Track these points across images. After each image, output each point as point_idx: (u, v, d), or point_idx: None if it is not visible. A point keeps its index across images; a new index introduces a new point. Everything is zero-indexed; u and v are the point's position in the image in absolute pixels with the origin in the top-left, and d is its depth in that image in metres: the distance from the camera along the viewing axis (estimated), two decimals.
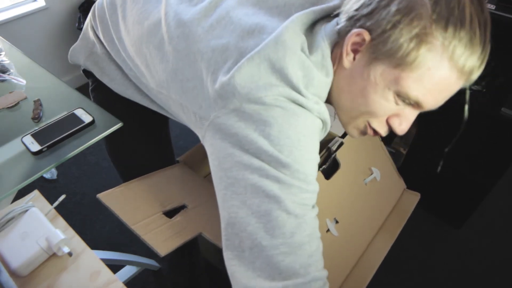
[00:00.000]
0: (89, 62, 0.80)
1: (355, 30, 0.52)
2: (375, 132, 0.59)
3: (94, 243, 1.19)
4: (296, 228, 0.49)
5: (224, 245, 0.52)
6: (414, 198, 1.07)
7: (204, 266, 1.27)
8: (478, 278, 1.29)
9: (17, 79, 0.99)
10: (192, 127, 0.62)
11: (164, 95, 0.65)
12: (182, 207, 0.76)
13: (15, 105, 0.92)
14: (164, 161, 0.91)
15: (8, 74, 1.00)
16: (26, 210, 0.65)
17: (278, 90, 0.52)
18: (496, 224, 1.46)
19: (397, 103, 0.53)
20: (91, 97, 0.92)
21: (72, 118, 0.86)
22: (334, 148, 0.89)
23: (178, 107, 0.63)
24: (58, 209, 0.69)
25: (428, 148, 1.33)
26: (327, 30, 0.56)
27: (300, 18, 0.55)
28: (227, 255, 0.52)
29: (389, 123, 0.57)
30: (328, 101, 0.61)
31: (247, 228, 0.49)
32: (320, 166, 0.85)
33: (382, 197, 1.01)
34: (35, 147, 0.79)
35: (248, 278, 0.48)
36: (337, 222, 0.87)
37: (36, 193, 0.72)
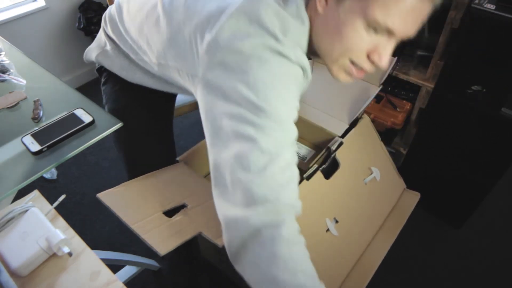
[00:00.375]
0: (101, 57, 0.91)
1: None
2: (360, 71, 0.63)
3: (94, 243, 1.19)
4: (269, 163, 0.54)
5: (212, 184, 0.59)
6: (414, 197, 1.07)
7: (204, 266, 1.27)
8: (478, 278, 1.29)
9: (17, 79, 0.99)
10: (188, 88, 0.69)
11: (163, 66, 0.73)
12: (182, 206, 0.76)
13: (15, 105, 0.92)
14: (168, 152, 0.95)
15: (8, 74, 1.01)
16: (26, 210, 0.65)
17: (256, 40, 0.57)
18: (496, 224, 1.46)
19: (369, 35, 0.57)
20: (102, 90, 0.98)
21: (72, 118, 0.86)
22: (333, 147, 0.89)
23: (176, 73, 0.70)
24: (58, 209, 0.69)
25: (428, 148, 1.33)
26: None
27: None
28: (215, 193, 0.58)
29: (370, 60, 0.61)
30: (312, 51, 0.66)
31: (228, 167, 0.55)
32: (320, 165, 0.85)
33: (382, 197, 1.01)
34: (35, 147, 0.79)
35: (229, 208, 0.56)
36: (337, 221, 0.87)
37: (36, 193, 0.72)
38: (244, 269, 0.56)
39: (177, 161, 0.91)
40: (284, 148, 0.56)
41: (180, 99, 1.13)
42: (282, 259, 0.53)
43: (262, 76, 0.56)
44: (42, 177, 1.62)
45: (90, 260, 0.62)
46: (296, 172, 0.58)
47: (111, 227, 1.44)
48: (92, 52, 0.93)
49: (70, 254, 0.61)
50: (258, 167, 0.54)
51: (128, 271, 1.26)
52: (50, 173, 1.63)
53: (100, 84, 0.99)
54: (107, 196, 0.73)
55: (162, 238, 0.65)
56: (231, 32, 0.57)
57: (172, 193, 0.78)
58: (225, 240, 0.57)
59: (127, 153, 0.94)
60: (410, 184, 1.11)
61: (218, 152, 0.57)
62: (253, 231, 0.53)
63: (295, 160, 0.59)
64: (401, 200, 1.07)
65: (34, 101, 0.92)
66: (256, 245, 0.53)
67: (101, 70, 0.97)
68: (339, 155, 0.89)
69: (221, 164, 0.56)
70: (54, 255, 0.62)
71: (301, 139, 1.06)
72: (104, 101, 0.97)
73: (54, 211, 0.69)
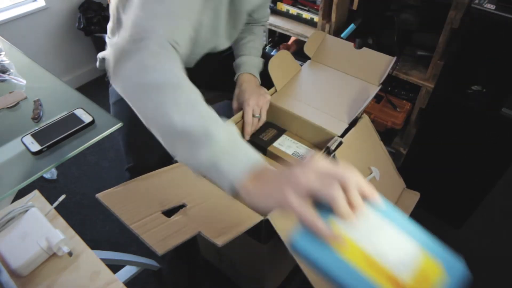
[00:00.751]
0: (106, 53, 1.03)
1: None
2: None
3: (94, 243, 1.19)
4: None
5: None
6: (413, 197, 1.07)
7: (204, 266, 1.27)
8: (478, 278, 1.28)
9: (17, 79, 0.99)
10: None
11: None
12: (181, 206, 0.76)
13: (15, 105, 0.92)
14: None
15: (8, 74, 1.01)
16: (26, 210, 0.65)
17: None
18: (496, 224, 1.46)
19: None
20: (109, 91, 1.05)
21: (72, 118, 0.86)
22: (333, 147, 0.89)
23: None
24: (58, 209, 0.69)
25: (428, 148, 1.33)
26: None
27: None
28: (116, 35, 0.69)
29: None
30: None
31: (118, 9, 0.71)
32: None
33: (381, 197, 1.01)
34: (35, 147, 0.79)
35: (112, 41, 0.66)
36: None
37: (36, 193, 0.72)
38: (119, 85, 0.60)
39: (177, 161, 0.91)
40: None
41: None
42: (151, 67, 0.56)
43: None
44: (42, 177, 1.62)
45: (90, 260, 0.62)
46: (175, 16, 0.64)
47: (111, 227, 1.44)
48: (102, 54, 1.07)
49: (70, 254, 0.61)
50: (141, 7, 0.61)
51: (128, 271, 1.26)
52: (50, 173, 1.63)
53: (101, 88, 1.09)
54: (106, 196, 0.73)
55: (161, 237, 0.65)
56: None
57: (171, 193, 0.78)
58: (108, 66, 0.62)
59: (126, 137, 0.96)
60: (410, 184, 1.11)
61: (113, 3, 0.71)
62: (123, 50, 0.59)
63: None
64: (401, 200, 1.07)
65: (34, 101, 0.93)
66: (128, 59, 0.58)
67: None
68: (339, 154, 0.89)
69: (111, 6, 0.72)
70: (54, 255, 0.62)
71: (300, 138, 1.06)
72: (109, 98, 1.03)
73: (54, 211, 0.69)
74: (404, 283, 0.43)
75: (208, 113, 0.55)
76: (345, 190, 0.44)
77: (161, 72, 0.56)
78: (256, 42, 1.08)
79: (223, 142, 0.51)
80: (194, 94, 0.56)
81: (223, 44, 0.99)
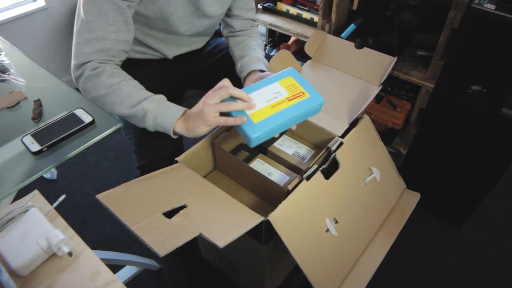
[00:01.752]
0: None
1: None
2: None
3: (94, 243, 1.19)
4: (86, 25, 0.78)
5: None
6: (414, 198, 1.07)
7: (204, 266, 1.27)
8: (478, 278, 1.29)
9: (17, 79, 0.99)
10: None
11: None
12: (182, 207, 0.76)
13: (15, 105, 0.92)
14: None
15: (8, 74, 1.01)
16: (26, 210, 0.65)
17: None
18: (496, 224, 1.46)
19: None
20: None
21: (72, 118, 0.86)
22: (333, 148, 0.89)
23: None
24: (58, 209, 0.69)
25: (428, 148, 1.33)
26: None
27: None
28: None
29: None
30: None
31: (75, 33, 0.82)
32: (319, 166, 0.85)
33: (382, 197, 1.01)
34: (35, 147, 0.79)
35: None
36: (336, 222, 0.87)
37: (36, 193, 0.72)
38: (87, 90, 0.81)
39: (177, 162, 0.91)
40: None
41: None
42: (92, 87, 0.80)
43: None
44: (42, 177, 1.62)
45: (90, 260, 0.62)
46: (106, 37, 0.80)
47: (111, 227, 1.44)
48: None
49: (70, 254, 0.61)
50: (78, 31, 0.79)
51: (128, 271, 1.26)
52: (50, 173, 1.63)
53: None
54: (106, 197, 0.73)
55: (162, 239, 0.65)
56: None
57: (172, 194, 0.78)
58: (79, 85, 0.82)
59: (137, 135, 0.97)
60: (410, 184, 1.11)
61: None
62: (74, 75, 0.82)
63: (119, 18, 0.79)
64: (401, 201, 1.07)
65: (34, 101, 0.92)
66: (79, 82, 0.82)
67: None
68: (339, 155, 0.89)
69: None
70: (54, 255, 0.62)
71: (301, 139, 1.06)
72: None
73: (54, 211, 0.69)
74: (288, 96, 0.81)
75: (141, 95, 0.80)
76: (233, 96, 0.75)
77: (100, 86, 0.79)
78: (254, 41, 1.05)
79: (155, 109, 0.79)
80: (127, 88, 0.80)
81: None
